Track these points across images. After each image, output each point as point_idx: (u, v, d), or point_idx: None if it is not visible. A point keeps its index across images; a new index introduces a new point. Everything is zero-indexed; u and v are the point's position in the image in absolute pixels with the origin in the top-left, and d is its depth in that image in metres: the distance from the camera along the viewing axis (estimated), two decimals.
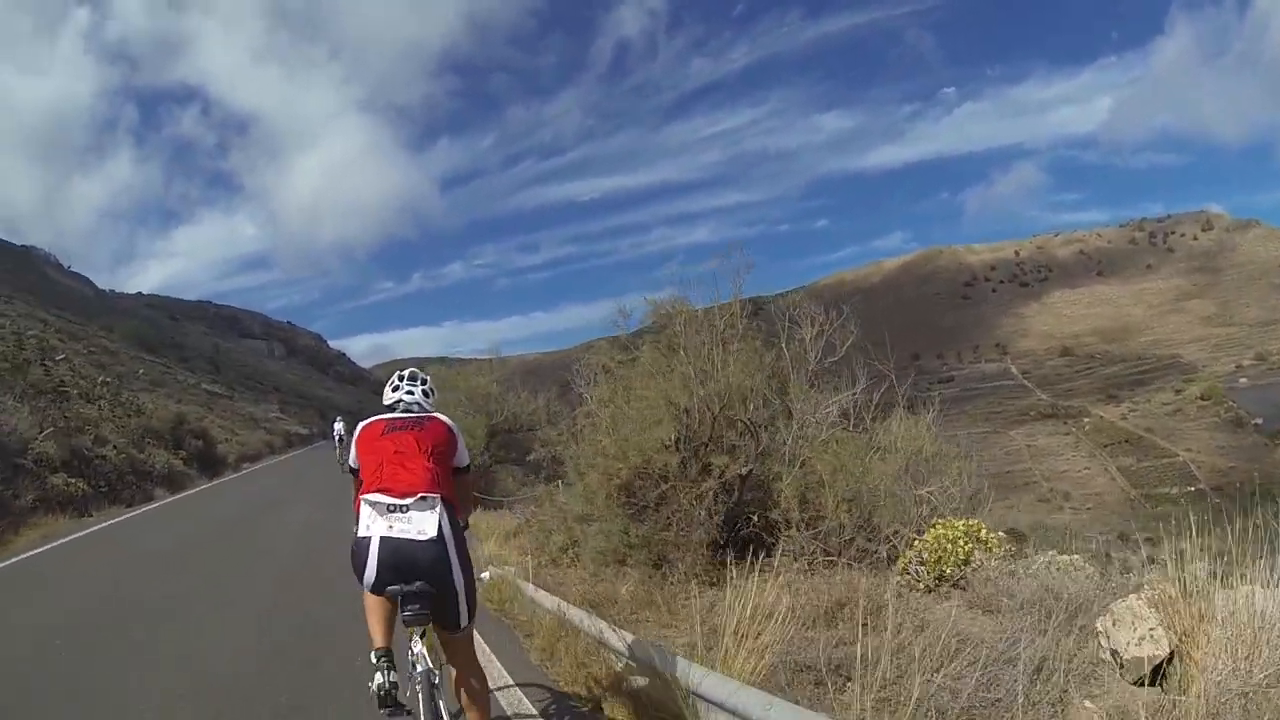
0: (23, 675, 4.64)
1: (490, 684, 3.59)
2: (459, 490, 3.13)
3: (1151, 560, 5.27)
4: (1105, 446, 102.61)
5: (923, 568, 5.69)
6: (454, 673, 3.06)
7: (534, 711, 4.25)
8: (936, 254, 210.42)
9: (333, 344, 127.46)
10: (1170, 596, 3.37)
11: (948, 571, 5.55)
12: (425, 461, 2.90)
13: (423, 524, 2.74)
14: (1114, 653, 3.48)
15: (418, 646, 2.89)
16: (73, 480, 13.07)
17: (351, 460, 3.11)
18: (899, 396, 8.45)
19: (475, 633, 3.22)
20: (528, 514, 9.42)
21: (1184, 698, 3.00)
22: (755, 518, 7.05)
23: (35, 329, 27.89)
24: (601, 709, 4.19)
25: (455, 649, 3.02)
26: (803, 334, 8.23)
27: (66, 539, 9.85)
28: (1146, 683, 3.31)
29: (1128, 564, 5.97)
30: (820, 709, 3.31)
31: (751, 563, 5.82)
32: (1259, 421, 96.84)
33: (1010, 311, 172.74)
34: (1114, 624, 3.52)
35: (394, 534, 2.72)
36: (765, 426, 7.41)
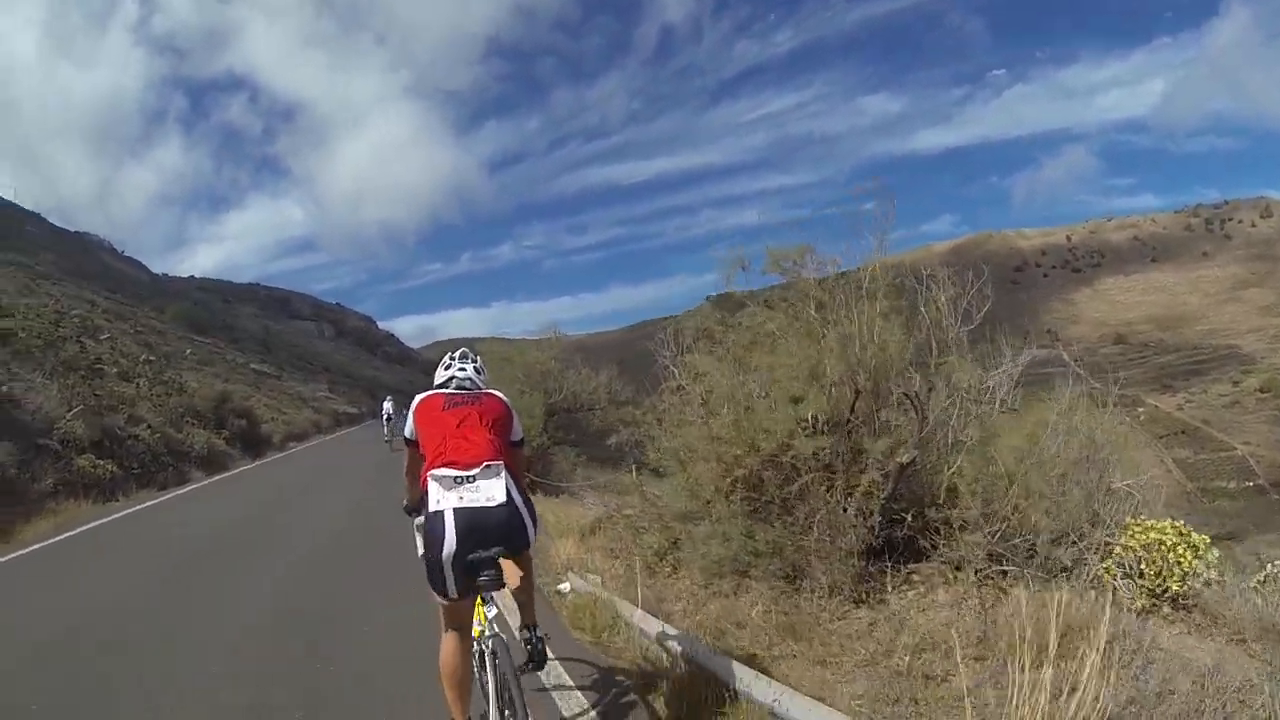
0: None
1: None
2: (516, 463, 3.10)
3: None
4: (1160, 437, 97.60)
5: (1129, 581, 4.55)
6: (517, 579, 3.22)
7: None
8: (986, 238, 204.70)
9: (381, 325, 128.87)
10: None
11: (1173, 588, 4.40)
12: (487, 433, 2.93)
13: (491, 490, 2.75)
14: None
15: (491, 612, 2.97)
16: (101, 461, 12.05)
17: (408, 431, 3.11)
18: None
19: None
20: (609, 507, 7.83)
21: None
22: (908, 517, 5.41)
23: (81, 309, 27.48)
24: None
25: (522, 564, 3.22)
26: (936, 297, 6.66)
27: (78, 530, 8.68)
28: None
29: None
30: None
31: (900, 571, 5.12)
32: None
33: (1061, 297, 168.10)
34: None
35: (465, 504, 2.72)
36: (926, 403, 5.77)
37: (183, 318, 47.00)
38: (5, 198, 70.70)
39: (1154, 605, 4.42)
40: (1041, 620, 3.31)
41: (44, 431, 11.46)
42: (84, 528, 8.79)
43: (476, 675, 2.95)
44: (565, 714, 3.71)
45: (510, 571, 3.10)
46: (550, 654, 3.57)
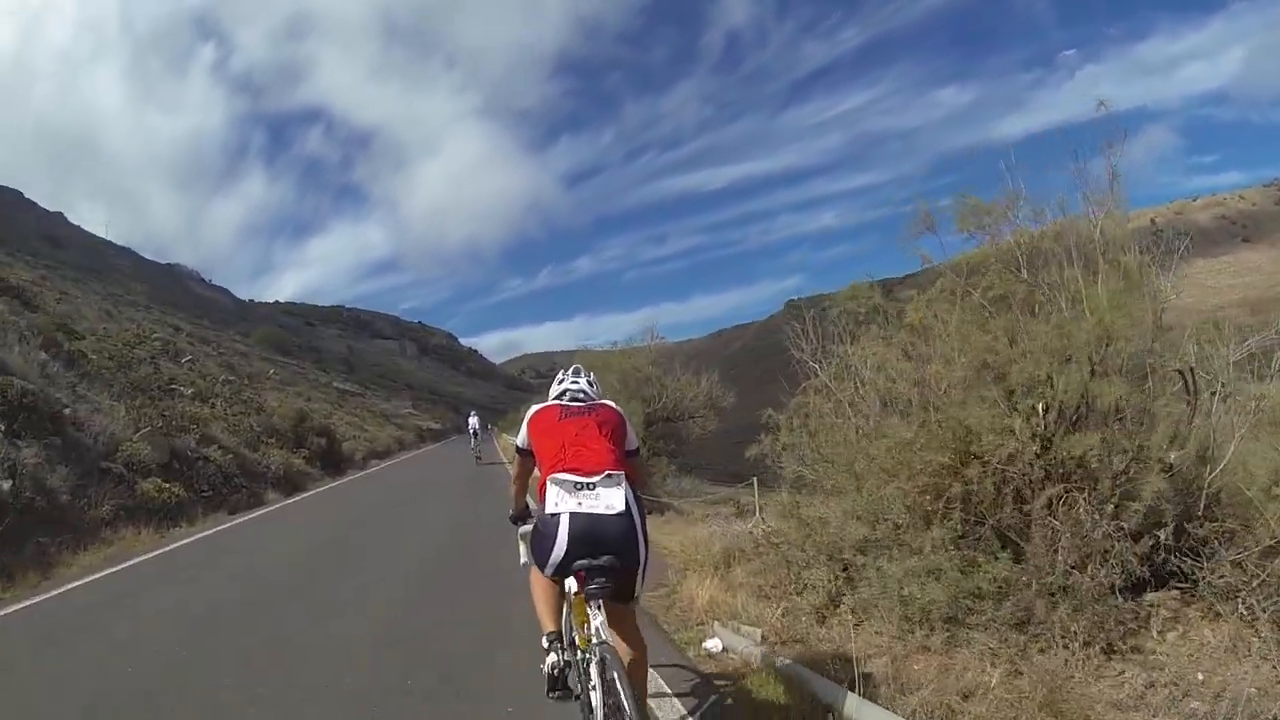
0: None
1: None
2: (634, 473, 3.03)
3: None
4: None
5: None
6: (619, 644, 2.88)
7: None
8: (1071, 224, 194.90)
9: (464, 341, 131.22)
10: None
11: None
12: (606, 442, 2.90)
13: (610, 499, 2.69)
14: None
15: (597, 619, 2.68)
16: (167, 485, 11.14)
17: (522, 441, 3.13)
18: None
19: None
20: (755, 533, 6.14)
21: None
22: (1163, 535, 3.86)
23: (164, 333, 27.82)
24: None
25: (623, 619, 2.87)
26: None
27: (124, 564, 7.54)
28: None
29: None
30: None
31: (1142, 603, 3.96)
32: None
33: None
34: None
35: (583, 509, 2.67)
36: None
37: (267, 340, 48.13)
38: (98, 235, 74.91)
39: None
40: None
41: (107, 454, 10.66)
42: (128, 563, 7.66)
43: (582, 690, 2.72)
44: None
45: (618, 645, 2.75)
46: None
